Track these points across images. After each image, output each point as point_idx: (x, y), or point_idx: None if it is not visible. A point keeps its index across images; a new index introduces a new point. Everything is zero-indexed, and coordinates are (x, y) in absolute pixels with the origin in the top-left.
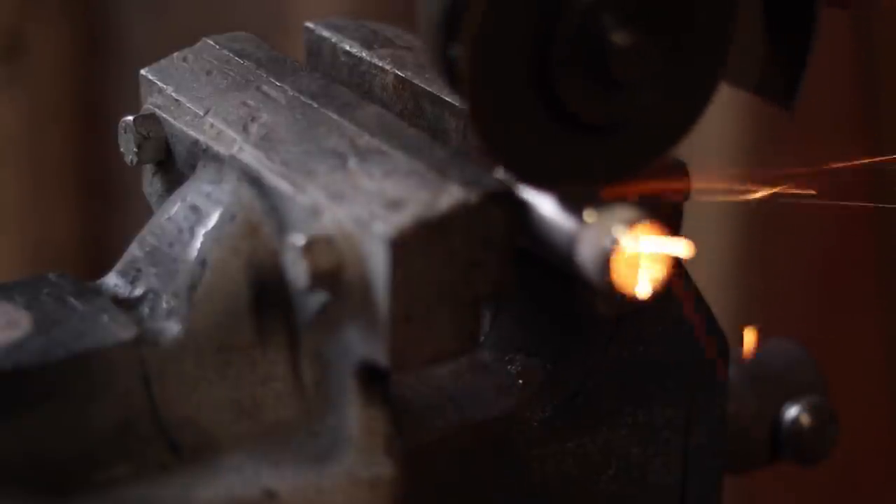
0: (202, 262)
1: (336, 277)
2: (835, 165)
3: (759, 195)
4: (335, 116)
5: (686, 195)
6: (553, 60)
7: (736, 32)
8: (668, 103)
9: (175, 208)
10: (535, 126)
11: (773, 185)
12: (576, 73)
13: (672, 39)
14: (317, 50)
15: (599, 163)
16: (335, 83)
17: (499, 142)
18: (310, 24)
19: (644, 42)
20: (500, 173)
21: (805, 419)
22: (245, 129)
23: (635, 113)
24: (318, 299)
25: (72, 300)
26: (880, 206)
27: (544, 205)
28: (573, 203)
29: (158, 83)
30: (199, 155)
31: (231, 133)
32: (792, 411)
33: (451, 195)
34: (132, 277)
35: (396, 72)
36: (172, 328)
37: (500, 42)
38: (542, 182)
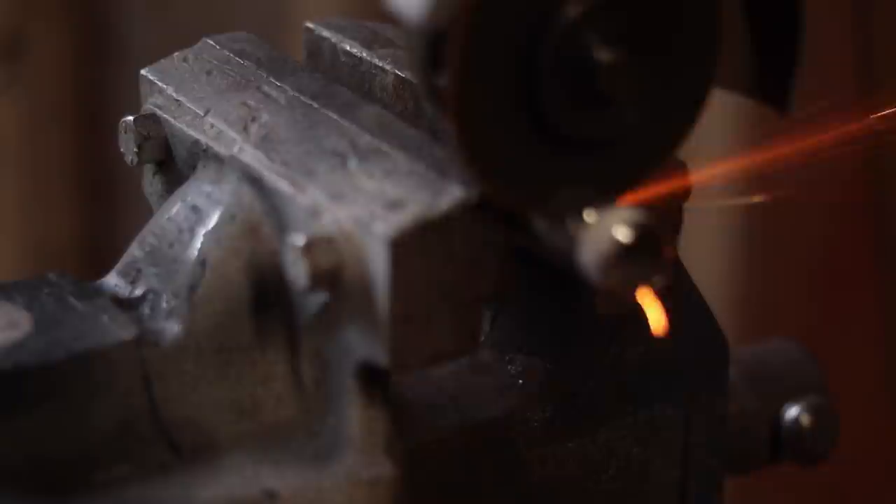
0: (202, 262)
1: (336, 277)
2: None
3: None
4: (335, 116)
5: (687, 194)
6: (539, 80)
7: (723, 43)
8: (657, 118)
9: (175, 208)
10: (525, 148)
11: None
12: (562, 92)
13: (658, 54)
14: (317, 50)
15: (590, 180)
16: (335, 83)
17: (489, 167)
18: (310, 24)
19: (629, 57)
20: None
21: (805, 419)
22: (245, 129)
23: (624, 128)
24: (317, 299)
25: (72, 300)
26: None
27: None
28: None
29: (158, 83)
30: (200, 155)
31: (231, 133)
32: (792, 411)
33: (451, 195)
34: (132, 277)
35: (397, 72)
36: (172, 328)
37: (484, 68)
38: (533, 203)
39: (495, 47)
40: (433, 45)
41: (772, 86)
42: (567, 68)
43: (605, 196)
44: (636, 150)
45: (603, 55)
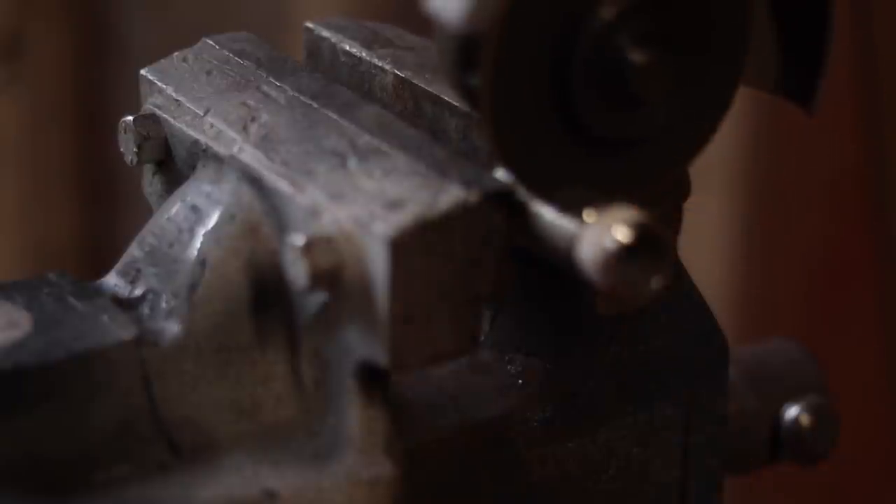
0: (202, 262)
1: (336, 277)
2: None
3: None
4: (335, 116)
5: (686, 194)
6: (572, 81)
7: (752, 42)
8: (686, 116)
9: (175, 208)
10: (557, 147)
11: None
12: (595, 93)
13: (690, 53)
14: (317, 50)
15: (620, 179)
16: (335, 83)
17: (523, 165)
18: (310, 24)
19: (661, 58)
20: (501, 174)
21: (805, 419)
22: (245, 129)
23: (655, 129)
24: (317, 299)
25: (72, 300)
26: None
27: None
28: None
29: (158, 83)
30: (199, 155)
31: (231, 133)
32: (792, 411)
33: (451, 195)
34: (132, 277)
35: (396, 72)
36: (172, 328)
37: (517, 68)
38: (566, 202)
39: (529, 49)
40: (466, 44)
41: (798, 83)
42: (600, 70)
43: (631, 195)
44: (665, 149)
45: (637, 57)
